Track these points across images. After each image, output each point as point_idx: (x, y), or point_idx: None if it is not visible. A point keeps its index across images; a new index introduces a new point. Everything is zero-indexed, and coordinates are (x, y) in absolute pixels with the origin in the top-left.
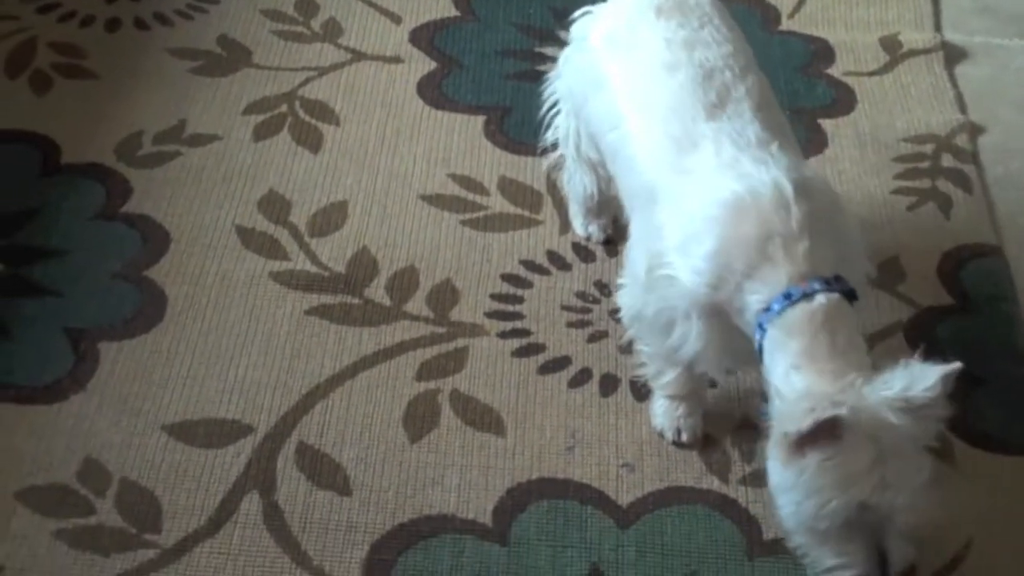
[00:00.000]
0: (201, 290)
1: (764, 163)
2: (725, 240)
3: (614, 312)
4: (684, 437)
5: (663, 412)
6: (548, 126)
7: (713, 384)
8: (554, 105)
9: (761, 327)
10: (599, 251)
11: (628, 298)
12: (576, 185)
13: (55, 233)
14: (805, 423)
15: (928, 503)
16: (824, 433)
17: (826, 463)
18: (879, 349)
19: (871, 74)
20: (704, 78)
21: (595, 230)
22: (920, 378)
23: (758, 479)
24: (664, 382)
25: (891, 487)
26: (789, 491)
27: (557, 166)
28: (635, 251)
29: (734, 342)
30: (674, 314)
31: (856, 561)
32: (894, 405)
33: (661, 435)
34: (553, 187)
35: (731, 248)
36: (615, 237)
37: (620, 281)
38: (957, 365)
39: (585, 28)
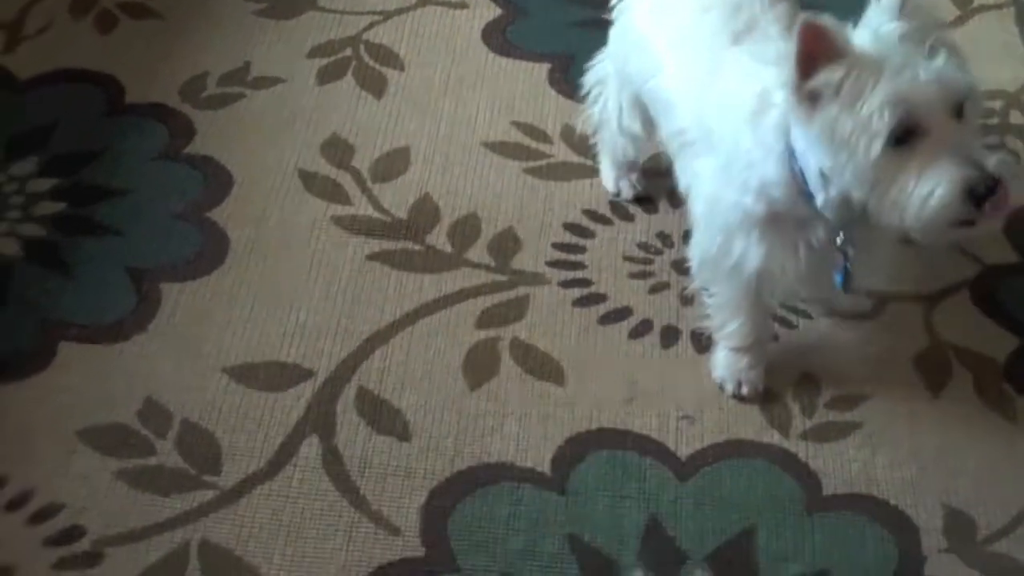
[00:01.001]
0: (263, 233)
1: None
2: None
3: (678, 263)
4: (745, 390)
5: (725, 364)
6: (595, 101)
7: (775, 337)
8: (598, 83)
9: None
10: (663, 202)
11: (696, 248)
12: (617, 150)
13: (118, 173)
14: (791, 45)
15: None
16: (819, 52)
17: (839, 90)
18: (944, 306)
19: None
20: (733, 10)
21: (624, 186)
22: None
23: (819, 434)
24: (728, 332)
25: (910, 75)
26: (832, 151)
27: (596, 126)
28: (692, 199)
29: (800, 254)
30: (734, 237)
31: (943, 179)
32: (875, 23)
33: (722, 387)
34: None
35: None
36: (651, 193)
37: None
38: None
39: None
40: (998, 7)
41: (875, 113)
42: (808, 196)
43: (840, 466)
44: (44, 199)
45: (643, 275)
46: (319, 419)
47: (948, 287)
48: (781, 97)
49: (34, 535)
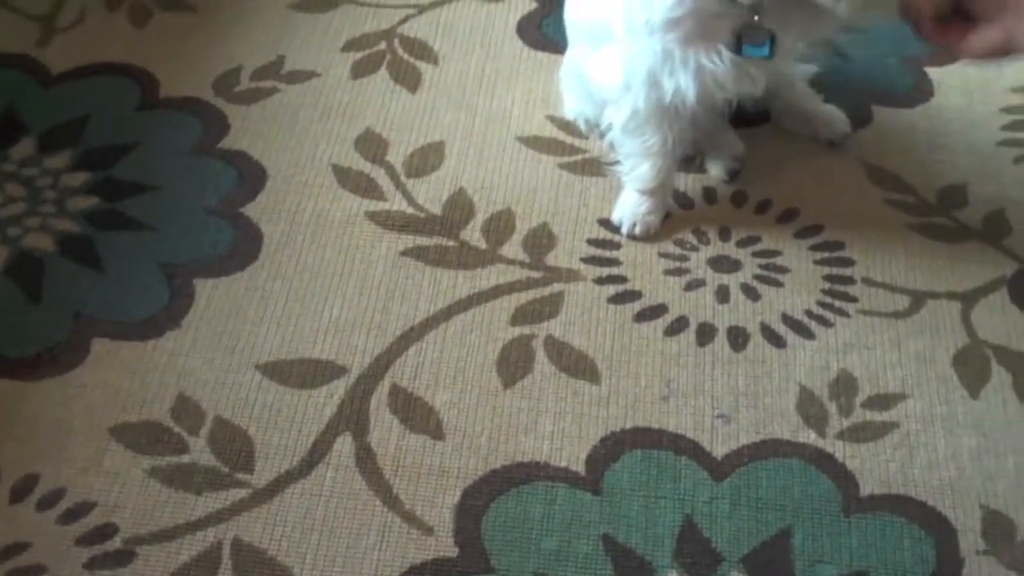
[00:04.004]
0: (297, 228)
1: None
2: None
3: (714, 260)
4: (638, 230)
5: (627, 205)
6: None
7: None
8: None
9: None
10: (698, 198)
11: (624, 114)
12: None
13: (151, 167)
14: None
15: None
16: None
17: None
18: (982, 304)
19: None
20: None
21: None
22: None
23: (856, 434)
24: (637, 174)
25: None
26: None
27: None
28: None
29: (723, 56)
30: (660, 80)
31: None
32: None
33: (619, 227)
34: None
35: None
36: (686, 189)
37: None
38: None
39: None
40: None
41: None
42: None
43: (877, 467)
44: (77, 193)
45: (678, 272)
46: (352, 417)
47: (986, 285)
48: None
49: (65, 534)
